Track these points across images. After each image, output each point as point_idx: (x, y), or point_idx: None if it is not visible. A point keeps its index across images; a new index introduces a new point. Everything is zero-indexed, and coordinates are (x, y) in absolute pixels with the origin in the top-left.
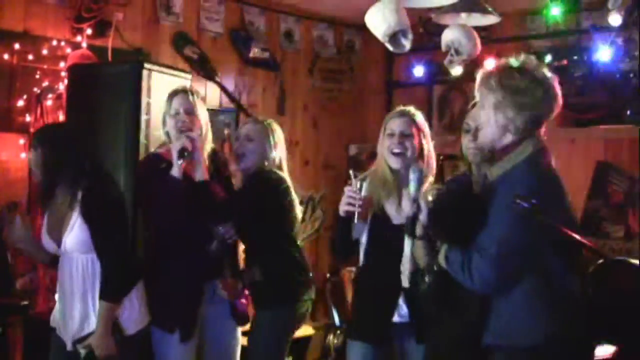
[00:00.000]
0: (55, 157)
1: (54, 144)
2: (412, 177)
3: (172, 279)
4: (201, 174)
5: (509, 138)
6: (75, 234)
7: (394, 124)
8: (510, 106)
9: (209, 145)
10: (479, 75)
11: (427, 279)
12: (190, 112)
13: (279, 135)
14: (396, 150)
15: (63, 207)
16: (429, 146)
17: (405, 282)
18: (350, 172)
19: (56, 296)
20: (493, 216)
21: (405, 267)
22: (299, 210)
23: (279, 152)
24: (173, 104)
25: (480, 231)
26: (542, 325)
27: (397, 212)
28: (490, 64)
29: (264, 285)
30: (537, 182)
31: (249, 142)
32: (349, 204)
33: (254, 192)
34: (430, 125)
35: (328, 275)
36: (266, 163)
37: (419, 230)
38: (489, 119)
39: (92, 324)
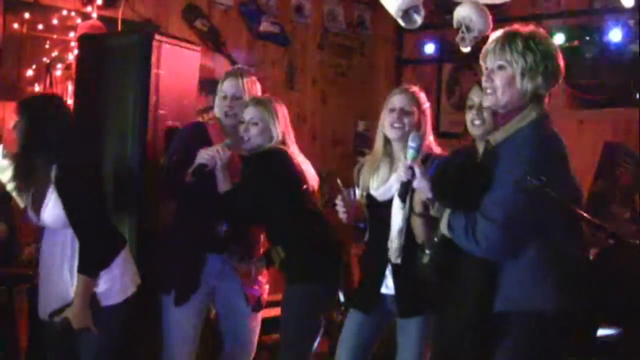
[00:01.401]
0: (34, 129)
1: (35, 115)
2: (411, 144)
3: (174, 245)
4: (223, 185)
5: (515, 103)
6: (50, 208)
7: (396, 100)
8: (540, 72)
9: None
10: (498, 37)
11: (427, 252)
12: (239, 96)
13: (282, 112)
14: (396, 125)
15: (41, 181)
16: (426, 126)
17: (393, 258)
18: (338, 180)
19: None
20: (497, 180)
21: (394, 242)
22: (314, 182)
23: (282, 128)
24: (223, 85)
25: (484, 196)
26: (551, 291)
27: (379, 188)
28: (498, 33)
29: (290, 261)
30: (542, 144)
31: (253, 125)
32: (343, 213)
33: (257, 177)
34: (439, 103)
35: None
36: (272, 143)
37: (418, 207)
38: (508, 83)
39: (69, 296)
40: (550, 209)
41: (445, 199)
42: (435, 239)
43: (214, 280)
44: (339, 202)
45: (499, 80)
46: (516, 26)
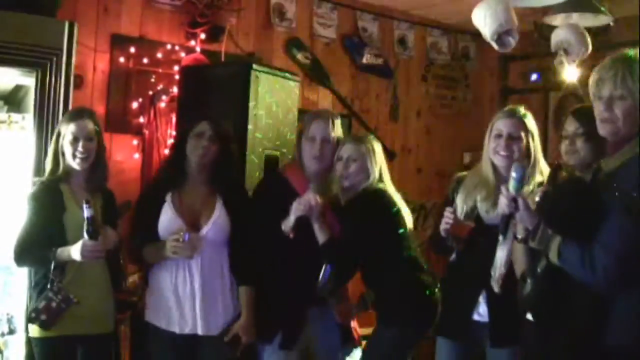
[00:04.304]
0: None
1: None
2: (514, 175)
3: (274, 299)
4: (321, 234)
5: (624, 130)
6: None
7: (502, 124)
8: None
9: None
10: (616, 65)
11: (529, 283)
12: (327, 140)
13: (379, 151)
14: (503, 153)
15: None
16: (536, 149)
17: (495, 287)
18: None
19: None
20: (614, 210)
21: (497, 271)
22: (409, 222)
23: (380, 165)
24: (311, 127)
25: (599, 225)
26: None
27: (489, 213)
28: (610, 60)
29: (381, 305)
30: None
31: (353, 162)
32: (446, 223)
33: (359, 220)
34: (546, 134)
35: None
36: (370, 180)
37: (520, 233)
38: (630, 112)
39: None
40: None
41: (558, 228)
42: (539, 269)
43: (314, 330)
44: (448, 213)
45: (620, 110)
46: (628, 51)
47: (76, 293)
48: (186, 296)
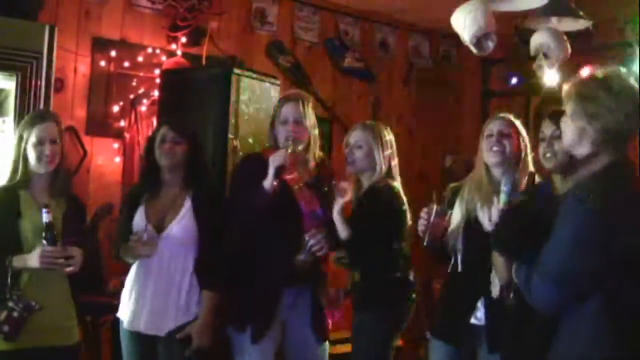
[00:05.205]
0: None
1: None
2: (504, 188)
3: (249, 281)
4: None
5: (586, 148)
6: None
7: (493, 125)
8: (581, 115)
9: (317, 154)
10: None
11: (511, 294)
12: (299, 121)
13: (387, 138)
14: (495, 149)
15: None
16: (527, 150)
17: (494, 292)
18: (433, 194)
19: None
20: (558, 232)
21: (496, 277)
22: (408, 218)
23: (388, 154)
24: (282, 110)
25: (543, 248)
26: (605, 350)
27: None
28: (584, 72)
29: (365, 287)
30: (606, 194)
31: (357, 149)
32: (422, 225)
33: (368, 212)
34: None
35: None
36: (377, 169)
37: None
38: (566, 127)
39: (190, 313)
40: (616, 261)
41: (507, 251)
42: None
43: (285, 314)
44: (423, 214)
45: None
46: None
47: (35, 301)
48: (141, 295)
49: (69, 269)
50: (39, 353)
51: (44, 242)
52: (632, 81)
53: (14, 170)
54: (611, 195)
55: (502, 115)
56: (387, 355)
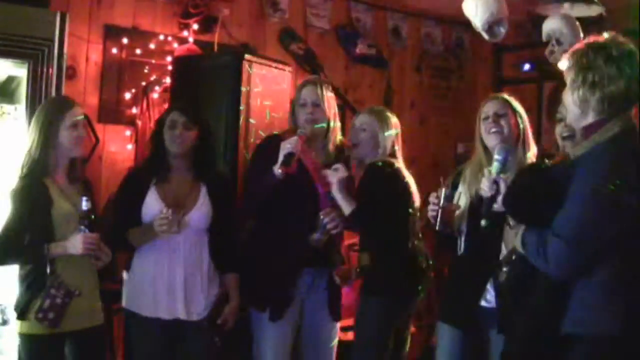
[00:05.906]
0: None
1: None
2: (497, 157)
3: (266, 262)
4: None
5: (590, 118)
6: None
7: (487, 107)
8: (581, 85)
9: (337, 138)
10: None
11: (504, 269)
12: (318, 104)
13: (392, 123)
14: (493, 130)
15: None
16: (526, 129)
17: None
18: (441, 179)
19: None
20: (571, 197)
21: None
22: (417, 199)
23: (392, 139)
24: (302, 94)
25: (558, 213)
26: (620, 314)
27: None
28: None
29: (373, 271)
30: (617, 160)
31: (362, 132)
32: (432, 210)
33: (367, 188)
34: (540, 124)
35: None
36: (380, 151)
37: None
38: (568, 99)
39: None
40: (629, 224)
41: (518, 215)
42: (513, 257)
43: (304, 294)
44: (433, 199)
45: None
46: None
47: (72, 286)
48: (169, 282)
49: (107, 259)
50: (74, 335)
51: (83, 228)
52: (632, 46)
53: (45, 157)
54: (625, 162)
55: (495, 95)
56: (385, 340)
